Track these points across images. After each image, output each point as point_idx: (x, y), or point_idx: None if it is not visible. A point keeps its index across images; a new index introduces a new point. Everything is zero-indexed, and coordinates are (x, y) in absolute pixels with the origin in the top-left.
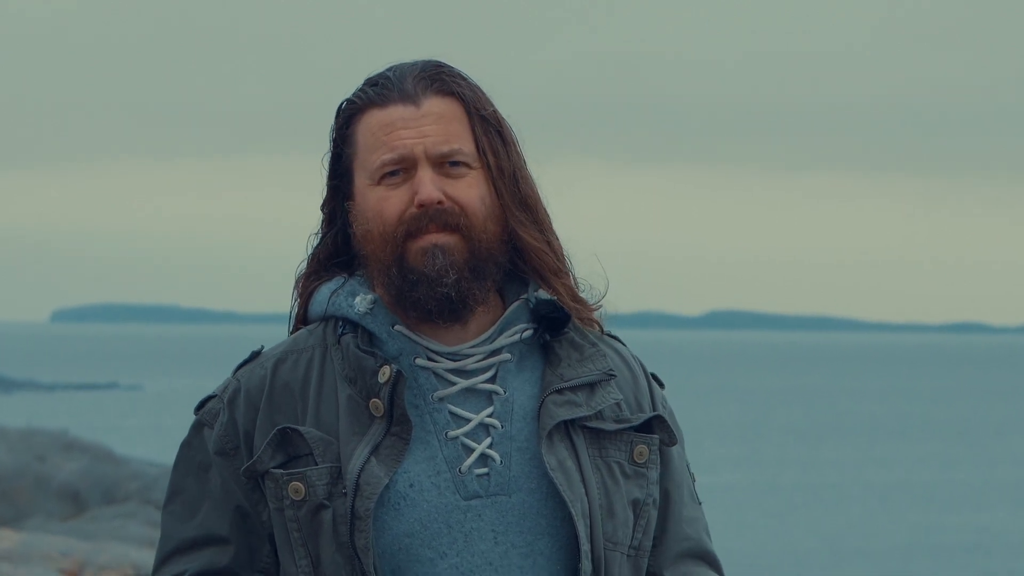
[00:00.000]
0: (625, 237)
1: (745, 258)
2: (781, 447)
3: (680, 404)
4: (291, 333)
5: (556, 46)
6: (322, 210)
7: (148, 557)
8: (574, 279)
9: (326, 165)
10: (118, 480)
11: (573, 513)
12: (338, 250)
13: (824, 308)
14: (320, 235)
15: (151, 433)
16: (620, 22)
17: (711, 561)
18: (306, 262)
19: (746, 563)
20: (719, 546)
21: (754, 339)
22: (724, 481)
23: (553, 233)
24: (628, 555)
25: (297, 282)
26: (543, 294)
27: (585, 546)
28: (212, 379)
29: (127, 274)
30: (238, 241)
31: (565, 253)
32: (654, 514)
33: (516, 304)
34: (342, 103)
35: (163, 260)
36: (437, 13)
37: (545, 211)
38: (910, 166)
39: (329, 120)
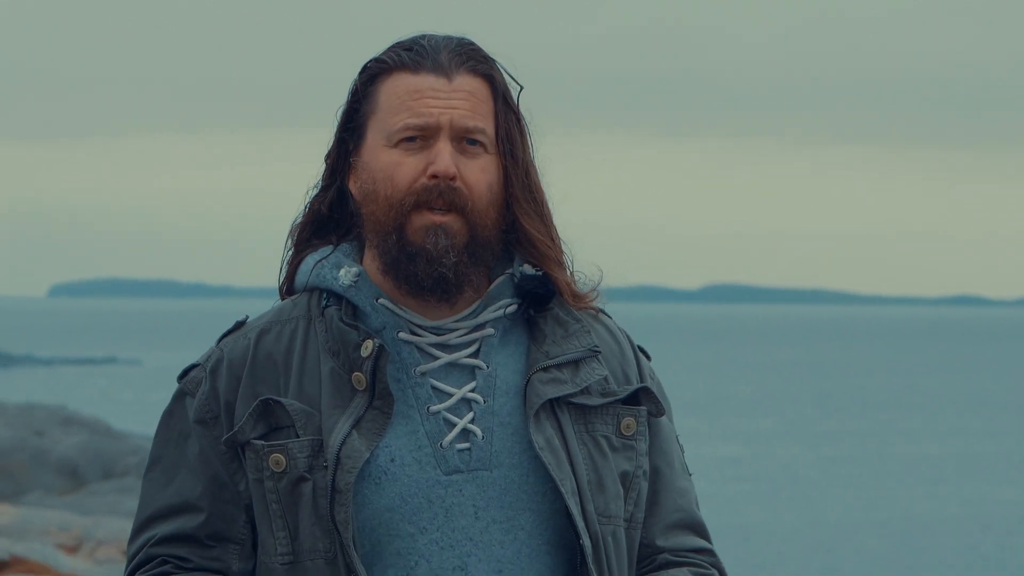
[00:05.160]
0: (627, 211)
1: (742, 232)
2: (779, 420)
3: (678, 377)
4: (280, 288)
5: (599, 20)
6: (325, 161)
7: None
8: (571, 272)
9: (339, 117)
10: (116, 455)
11: (563, 491)
12: (333, 204)
13: (820, 281)
14: (320, 186)
15: (149, 408)
16: None
17: (701, 531)
18: (302, 213)
19: (745, 534)
20: (717, 519)
21: (751, 312)
22: (722, 453)
23: (554, 226)
24: (622, 528)
25: (292, 231)
26: (528, 269)
27: (580, 523)
28: None
29: (125, 249)
30: (236, 215)
31: (565, 246)
32: (644, 486)
33: (501, 279)
34: (369, 60)
35: (161, 235)
36: None
37: (548, 204)
38: (914, 139)
39: (327, 98)
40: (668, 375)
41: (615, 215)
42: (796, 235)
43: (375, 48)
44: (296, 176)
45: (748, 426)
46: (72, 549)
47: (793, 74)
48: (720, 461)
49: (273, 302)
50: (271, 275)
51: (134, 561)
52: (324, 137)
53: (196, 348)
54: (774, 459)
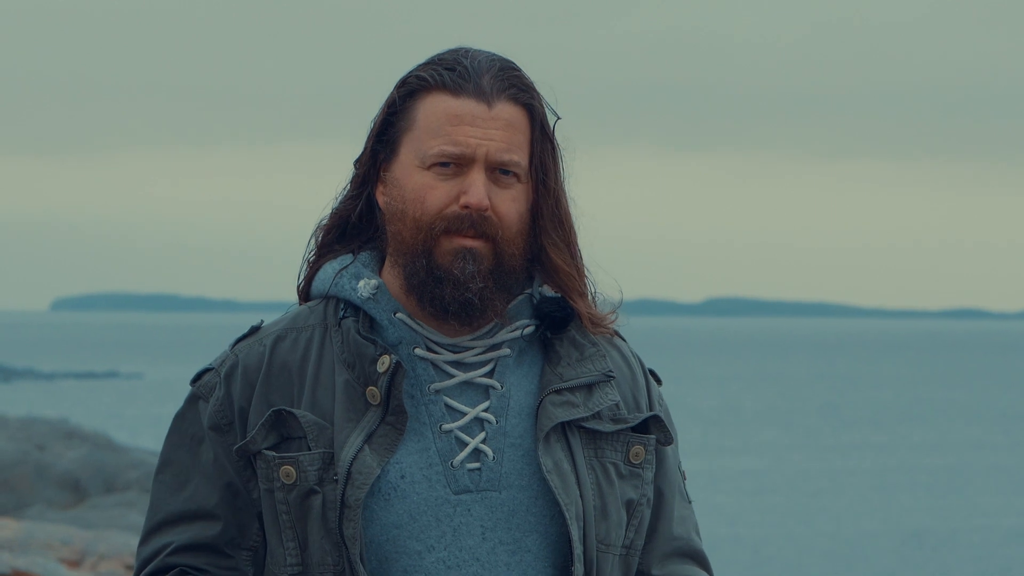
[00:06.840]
0: (629, 223)
1: (745, 245)
2: (783, 432)
3: (680, 390)
4: (298, 289)
5: (601, 28)
6: (354, 166)
7: None
8: (593, 298)
9: (372, 126)
10: (118, 469)
11: (567, 516)
12: (360, 212)
13: (821, 294)
14: (347, 192)
15: (151, 422)
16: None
17: (700, 560)
18: (328, 215)
19: (752, 546)
20: (722, 533)
21: (754, 325)
22: (727, 466)
23: (580, 255)
24: (620, 555)
25: (316, 232)
26: (547, 291)
27: (578, 549)
28: None
29: (127, 263)
30: (237, 229)
31: (587, 273)
32: (647, 513)
33: (520, 299)
34: (409, 74)
35: (163, 249)
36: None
37: (575, 232)
38: (915, 152)
39: (331, 112)
40: (671, 388)
41: (616, 227)
42: (798, 248)
43: (380, 62)
44: (301, 190)
45: (752, 438)
46: (74, 563)
47: (797, 88)
48: (726, 473)
49: (272, 315)
50: (273, 289)
51: (149, 567)
52: (331, 151)
53: (197, 362)
54: (779, 471)
